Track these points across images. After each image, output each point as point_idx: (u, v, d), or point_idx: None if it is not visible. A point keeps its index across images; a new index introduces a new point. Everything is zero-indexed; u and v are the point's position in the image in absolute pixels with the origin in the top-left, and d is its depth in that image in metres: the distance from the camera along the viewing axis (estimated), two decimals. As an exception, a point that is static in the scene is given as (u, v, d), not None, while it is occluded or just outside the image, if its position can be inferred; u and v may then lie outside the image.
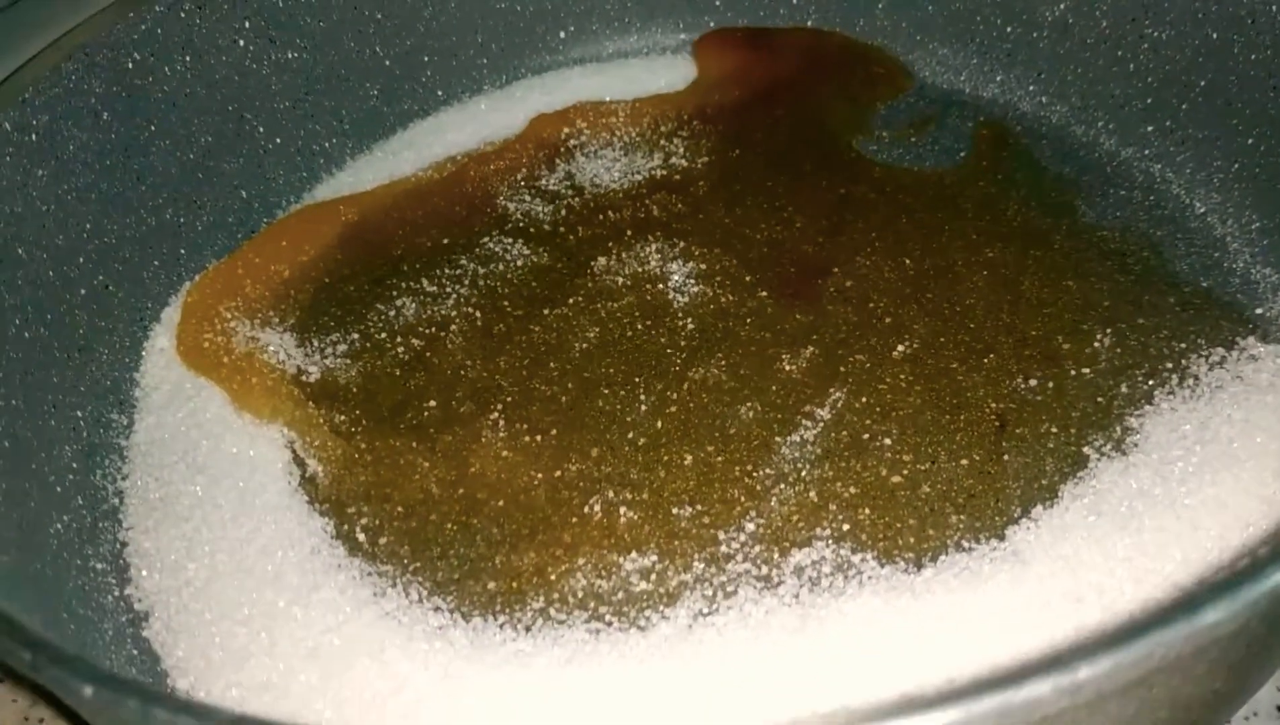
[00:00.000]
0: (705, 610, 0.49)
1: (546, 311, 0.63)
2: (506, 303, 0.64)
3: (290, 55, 0.73)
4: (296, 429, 0.59)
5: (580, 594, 0.51)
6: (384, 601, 0.51)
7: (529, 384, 0.60)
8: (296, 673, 0.48)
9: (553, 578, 0.51)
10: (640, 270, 0.65)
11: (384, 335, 0.64)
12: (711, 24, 0.81)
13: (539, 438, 0.57)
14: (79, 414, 0.59)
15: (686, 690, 0.45)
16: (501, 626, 0.50)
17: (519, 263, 0.66)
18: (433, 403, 0.60)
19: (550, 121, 0.75)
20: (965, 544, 0.50)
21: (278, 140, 0.73)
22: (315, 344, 0.64)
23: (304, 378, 0.62)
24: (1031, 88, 0.73)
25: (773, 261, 0.65)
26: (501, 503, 0.55)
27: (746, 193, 0.69)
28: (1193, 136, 0.65)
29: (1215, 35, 0.63)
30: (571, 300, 0.64)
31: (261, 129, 0.73)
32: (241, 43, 0.71)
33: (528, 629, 0.49)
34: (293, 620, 0.50)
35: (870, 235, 0.66)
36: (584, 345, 0.61)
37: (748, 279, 0.64)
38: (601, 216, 0.69)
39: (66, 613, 0.51)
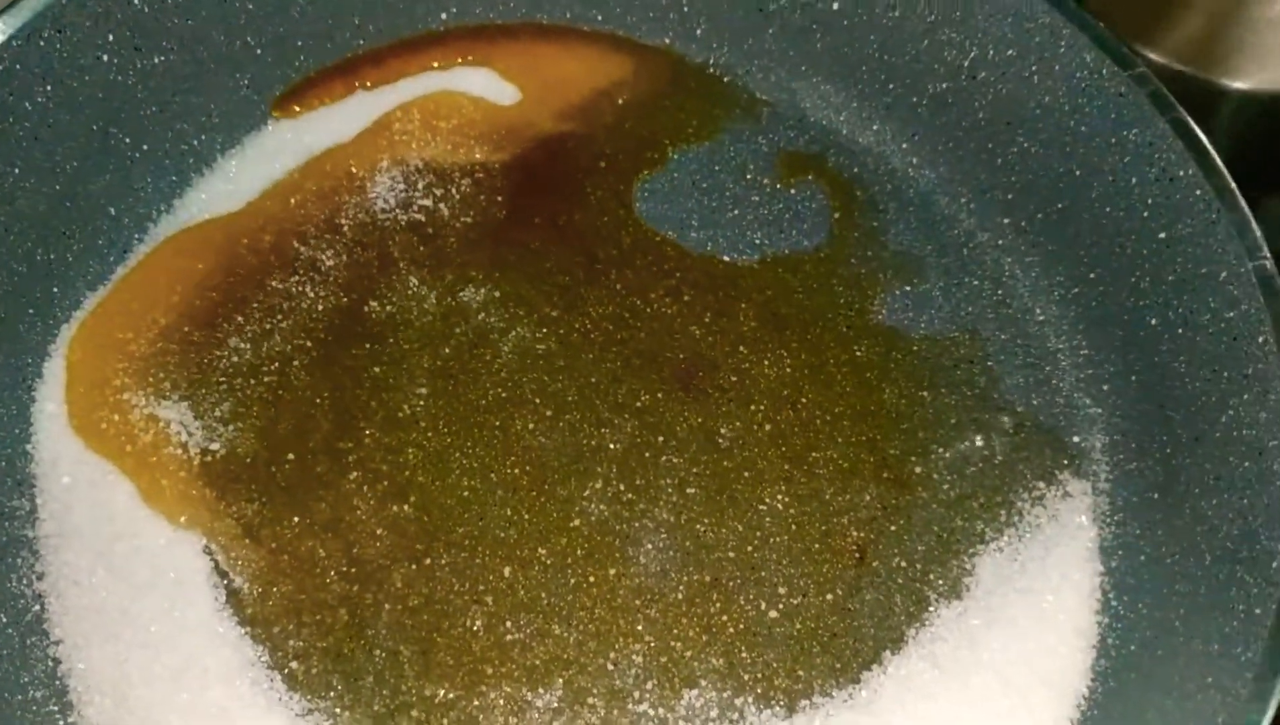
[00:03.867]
0: (613, 758, 0.57)
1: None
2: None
3: (157, 60, 0.68)
4: (213, 540, 0.61)
5: (500, 737, 0.58)
6: (326, 743, 0.57)
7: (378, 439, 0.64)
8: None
9: (472, 713, 0.58)
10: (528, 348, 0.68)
11: (252, 387, 0.65)
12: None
13: (405, 507, 0.62)
14: (-20, 513, 0.59)
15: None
16: (436, 774, 0.56)
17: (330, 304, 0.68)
18: (292, 457, 0.63)
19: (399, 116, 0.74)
20: (828, 689, 0.60)
21: (144, 147, 0.69)
22: (209, 408, 0.64)
23: (208, 459, 0.63)
24: (905, 145, 0.77)
25: (663, 346, 0.69)
26: (394, 610, 0.60)
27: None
28: (1043, 245, 0.72)
29: (1079, 173, 0.68)
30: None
31: (128, 140, 0.68)
32: (105, 57, 0.65)
33: (460, 778, 0.57)
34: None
35: (752, 324, 0.70)
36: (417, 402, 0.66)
37: (638, 363, 0.68)
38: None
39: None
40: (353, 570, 0.61)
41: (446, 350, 0.66)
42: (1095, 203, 0.68)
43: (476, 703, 0.58)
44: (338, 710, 0.57)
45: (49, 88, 0.63)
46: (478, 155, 0.72)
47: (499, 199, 0.71)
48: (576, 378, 0.67)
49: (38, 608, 0.59)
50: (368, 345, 0.66)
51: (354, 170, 0.71)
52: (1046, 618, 0.62)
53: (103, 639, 0.58)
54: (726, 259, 0.72)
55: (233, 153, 0.73)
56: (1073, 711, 0.59)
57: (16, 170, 0.62)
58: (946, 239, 0.74)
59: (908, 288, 0.72)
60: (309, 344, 0.65)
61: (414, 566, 0.61)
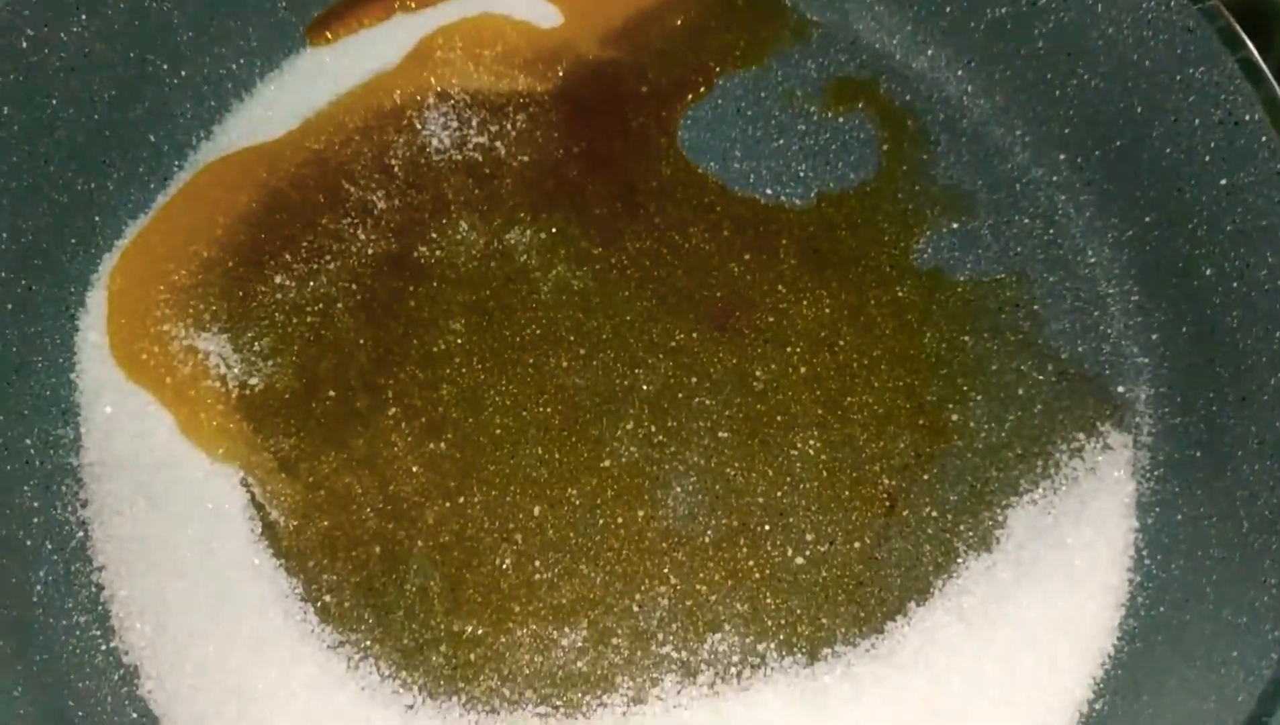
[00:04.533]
0: (636, 698, 0.59)
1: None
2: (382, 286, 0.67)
3: (191, -17, 0.67)
4: (250, 473, 0.62)
5: (526, 673, 0.59)
6: (357, 676, 0.59)
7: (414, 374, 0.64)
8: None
9: (499, 650, 0.60)
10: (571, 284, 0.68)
11: (294, 325, 0.66)
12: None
13: (440, 444, 0.63)
14: (27, 443, 0.61)
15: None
16: (465, 707, 0.58)
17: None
18: (332, 393, 0.64)
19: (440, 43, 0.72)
20: (851, 638, 0.61)
21: (182, 74, 0.69)
22: (249, 343, 0.65)
23: (247, 393, 0.64)
24: (960, 73, 0.74)
25: (700, 284, 0.68)
26: (428, 546, 0.61)
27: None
28: (1099, 184, 0.69)
29: (1139, 111, 0.65)
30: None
31: (165, 66, 0.68)
32: (140, -17, 0.64)
33: (490, 711, 0.58)
34: (280, 697, 0.58)
35: (792, 262, 0.69)
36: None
37: (674, 301, 0.67)
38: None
39: (66, 689, 0.56)
40: (388, 507, 0.62)
41: (486, 291, 0.66)
42: (1155, 143, 0.65)
43: (503, 639, 0.59)
44: (368, 643, 0.59)
45: (84, 16, 0.62)
46: (521, 84, 0.71)
47: (555, 135, 0.70)
48: (612, 316, 0.67)
49: (81, 534, 0.61)
50: (411, 286, 0.66)
51: (398, 102, 0.70)
52: (1076, 574, 0.61)
53: (144, 568, 0.60)
54: (769, 192, 0.70)
55: (271, 77, 0.72)
56: (1097, 670, 0.59)
57: (55, 101, 0.62)
58: (999, 173, 0.72)
59: (955, 225, 0.70)
60: (354, 287, 0.66)
61: (447, 504, 0.62)
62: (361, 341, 0.64)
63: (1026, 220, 0.71)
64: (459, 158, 0.68)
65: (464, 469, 0.63)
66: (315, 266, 0.65)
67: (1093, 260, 0.69)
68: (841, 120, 0.73)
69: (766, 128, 0.72)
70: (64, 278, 0.64)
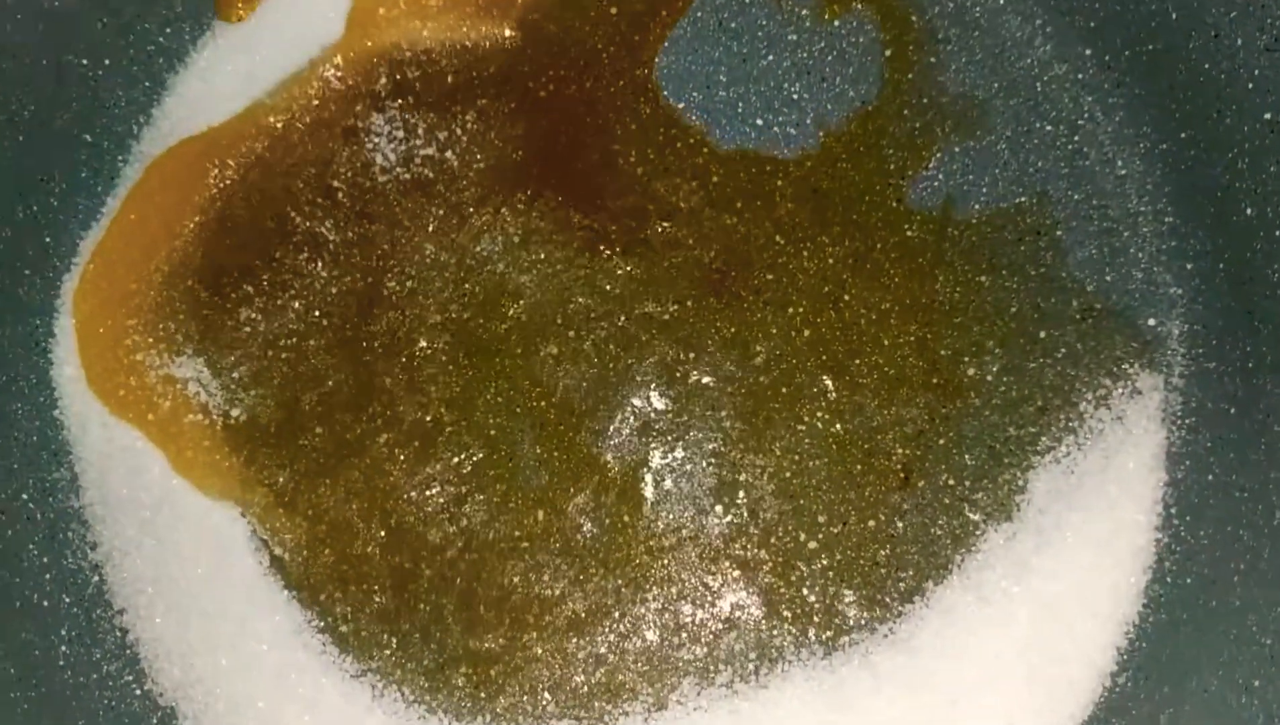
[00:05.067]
0: (657, 703, 0.60)
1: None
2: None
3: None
4: (248, 510, 0.61)
5: (548, 686, 0.60)
6: (384, 703, 0.60)
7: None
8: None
9: (518, 664, 0.60)
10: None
11: (269, 354, 0.62)
12: None
13: (437, 466, 0.61)
14: (24, 497, 0.60)
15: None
16: (490, 726, 0.60)
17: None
18: (319, 428, 0.62)
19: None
20: (869, 624, 0.60)
21: (106, 62, 0.63)
22: (227, 369, 0.63)
23: (232, 424, 0.62)
24: (971, -49, 0.65)
25: (692, 241, 0.63)
26: (437, 566, 0.61)
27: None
28: (1129, 88, 0.62)
29: (1175, 17, 0.57)
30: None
31: (85, 61, 0.62)
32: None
33: (516, 729, 0.60)
34: (309, 733, 0.59)
35: (789, 206, 0.64)
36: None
37: (664, 264, 0.63)
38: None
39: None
40: (391, 536, 0.61)
41: (465, 311, 0.62)
42: (1192, 56, 0.57)
43: (521, 654, 0.60)
44: (389, 669, 0.60)
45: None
46: (476, 32, 0.63)
47: (511, 125, 0.63)
48: (598, 294, 0.62)
49: (97, 579, 0.61)
50: (386, 316, 0.62)
51: (342, 74, 0.63)
52: (1101, 538, 0.59)
53: (163, 608, 0.60)
54: (760, 122, 0.64)
55: (204, 43, 0.65)
56: (1121, 640, 0.58)
57: (-36, 137, 0.57)
58: (1016, 73, 0.64)
59: (969, 143, 0.64)
60: (325, 323, 0.62)
61: (449, 523, 0.60)
62: (341, 375, 0.61)
63: (1049, 127, 0.64)
64: (407, 176, 0.62)
65: (463, 482, 0.61)
66: (279, 302, 0.61)
67: (1122, 171, 0.63)
68: (838, 24, 0.64)
69: (753, 42, 0.65)
70: (27, 311, 0.61)
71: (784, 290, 0.62)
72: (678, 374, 0.61)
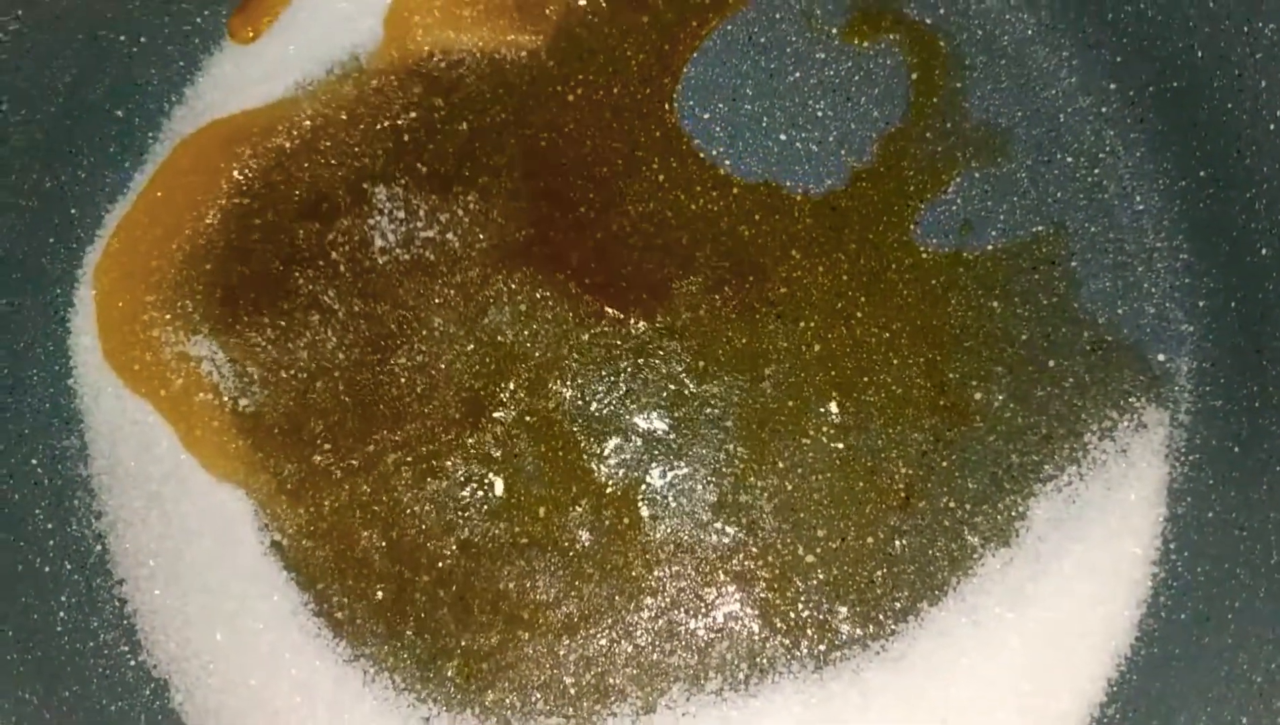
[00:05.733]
0: (645, 706, 0.60)
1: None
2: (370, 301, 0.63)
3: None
4: (253, 496, 0.62)
5: (538, 684, 0.60)
6: (375, 689, 0.60)
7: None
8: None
9: (510, 662, 0.61)
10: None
11: (281, 378, 0.63)
12: None
13: (443, 482, 0.61)
14: (34, 462, 0.61)
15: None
16: (479, 718, 0.60)
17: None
18: (327, 445, 0.62)
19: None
20: (861, 642, 0.60)
21: (142, 40, 0.64)
22: (240, 355, 0.63)
23: (241, 410, 0.63)
24: (1002, -19, 0.65)
25: (709, 249, 0.63)
26: (434, 568, 0.61)
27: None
28: (1152, 124, 0.62)
29: (1201, 56, 0.58)
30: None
31: (122, 37, 0.63)
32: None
33: (504, 723, 0.60)
34: (301, 713, 0.60)
35: (807, 221, 0.64)
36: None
37: (680, 272, 0.63)
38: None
39: (101, 717, 0.59)
40: (392, 548, 0.61)
41: (477, 382, 0.62)
42: (1215, 95, 0.57)
43: (513, 652, 0.60)
44: (382, 657, 0.60)
45: (19, 11, 0.57)
46: (510, 38, 0.64)
47: (517, 201, 0.63)
48: (611, 345, 0.63)
49: (99, 548, 0.61)
50: (397, 383, 0.62)
51: (376, 82, 0.64)
52: (1098, 568, 0.60)
53: (163, 580, 0.61)
54: (784, 137, 0.64)
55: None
56: (1112, 672, 0.58)
57: (4, 106, 0.58)
58: (1040, 103, 0.65)
59: (989, 170, 0.64)
60: (336, 373, 0.62)
61: (450, 532, 0.61)
62: (347, 414, 0.62)
63: (1069, 159, 0.64)
64: (407, 257, 0.63)
65: (463, 496, 0.61)
66: (290, 347, 0.62)
67: (1140, 206, 0.63)
68: (865, 45, 0.65)
69: (781, 57, 0.65)
70: (49, 280, 0.62)
71: (797, 304, 0.63)
72: (687, 380, 0.62)
